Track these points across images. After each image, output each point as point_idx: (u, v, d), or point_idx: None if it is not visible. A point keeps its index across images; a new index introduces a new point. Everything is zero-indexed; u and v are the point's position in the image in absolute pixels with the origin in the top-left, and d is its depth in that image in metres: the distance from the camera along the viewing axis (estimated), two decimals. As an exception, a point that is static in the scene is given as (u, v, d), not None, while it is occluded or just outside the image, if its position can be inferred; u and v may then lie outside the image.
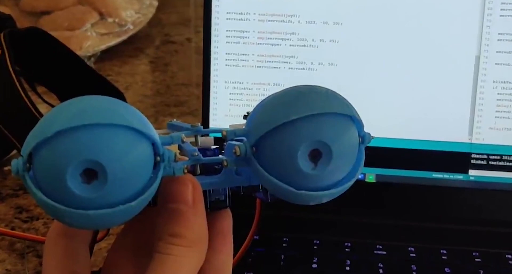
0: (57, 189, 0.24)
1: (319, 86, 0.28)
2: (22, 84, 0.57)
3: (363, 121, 0.28)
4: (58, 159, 0.24)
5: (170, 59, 0.90)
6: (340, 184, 0.27)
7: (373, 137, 0.28)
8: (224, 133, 0.28)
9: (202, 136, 0.31)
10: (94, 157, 0.24)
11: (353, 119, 0.28)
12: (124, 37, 0.90)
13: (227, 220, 0.31)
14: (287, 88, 0.28)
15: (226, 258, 0.30)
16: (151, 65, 0.89)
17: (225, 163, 0.28)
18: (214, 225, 0.30)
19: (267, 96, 0.28)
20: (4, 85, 0.57)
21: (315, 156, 0.27)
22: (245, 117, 0.30)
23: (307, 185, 0.27)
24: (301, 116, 0.26)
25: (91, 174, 0.24)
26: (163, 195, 0.28)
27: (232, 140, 0.29)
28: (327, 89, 0.28)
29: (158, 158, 0.26)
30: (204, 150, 0.30)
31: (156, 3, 0.99)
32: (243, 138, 0.28)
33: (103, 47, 0.87)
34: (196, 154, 0.28)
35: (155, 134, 0.26)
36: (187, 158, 0.29)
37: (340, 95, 0.28)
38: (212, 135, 0.31)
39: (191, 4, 1.08)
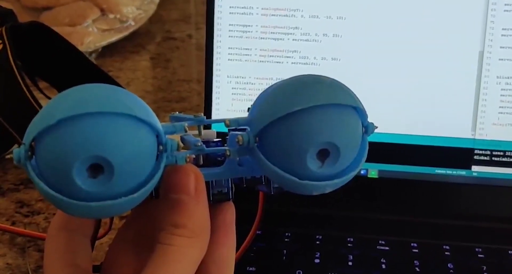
0: (62, 181, 0.24)
1: (324, 76, 0.28)
2: (24, 79, 0.57)
3: (366, 117, 0.28)
4: (63, 152, 0.24)
5: (171, 55, 0.89)
6: (344, 174, 0.27)
7: (376, 127, 0.28)
8: (227, 122, 0.28)
9: (204, 128, 0.30)
10: (101, 153, 0.24)
11: (357, 110, 0.27)
12: (125, 33, 0.90)
13: (229, 213, 0.31)
14: (291, 78, 0.28)
15: (228, 251, 0.30)
16: (152, 61, 0.89)
17: (228, 153, 0.28)
18: (216, 217, 0.30)
19: (271, 85, 0.28)
20: (5, 80, 0.57)
21: (323, 154, 0.27)
22: (249, 110, 0.30)
23: (309, 175, 0.27)
24: (305, 107, 0.26)
25: (97, 168, 0.24)
26: (165, 185, 0.28)
27: (234, 129, 0.29)
28: (332, 79, 0.28)
29: (161, 148, 0.26)
30: (206, 143, 0.30)
31: (157, 0, 0.99)
32: (246, 127, 0.28)
33: (104, 43, 0.86)
34: (199, 144, 0.28)
35: (158, 123, 0.26)
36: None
37: (345, 86, 0.28)
38: (214, 127, 0.31)
39: (192, 1, 1.08)
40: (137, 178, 0.25)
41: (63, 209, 0.25)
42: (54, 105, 0.24)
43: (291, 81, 0.28)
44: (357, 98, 0.28)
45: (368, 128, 0.28)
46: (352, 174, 0.27)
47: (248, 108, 0.30)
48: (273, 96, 0.27)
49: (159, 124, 0.26)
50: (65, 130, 0.24)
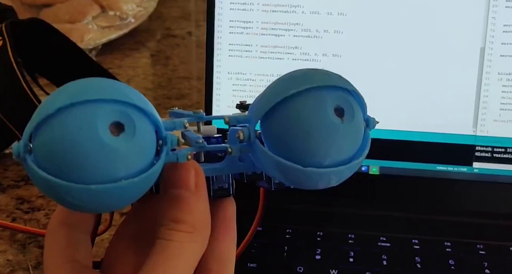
0: (60, 168, 0.24)
1: (319, 68, 0.28)
2: (24, 76, 0.56)
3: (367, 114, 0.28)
4: (62, 138, 0.23)
5: (171, 52, 0.89)
6: (348, 162, 0.27)
7: (377, 122, 0.28)
8: (227, 119, 0.28)
9: (205, 124, 0.30)
10: (123, 104, 0.24)
11: (354, 95, 0.27)
12: (125, 30, 0.90)
13: (230, 209, 0.31)
14: (286, 73, 0.28)
15: (229, 247, 0.30)
16: (152, 59, 0.89)
17: (229, 150, 0.28)
18: (217, 213, 0.30)
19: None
20: (5, 76, 0.57)
21: (339, 111, 0.26)
22: (237, 106, 0.30)
23: (314, 161, 0.26)
24: (301, 90, 0.26)
25: (118, 127, 0.24)
26: (166, 181, 0.28)
27: (234, 126, 0.29)
28: (327, 70, 0.28)
29: (161, 142, 0.26)
30: (207, 139, 0.30)
31: (157, -3, 0.99)
32: (246, 124, 0.28)
33: (104, 40, 0.86)
34: (201, 141, 0.28)
35: (158, 115, 0.26)
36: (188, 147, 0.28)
37: (341, 76, 0.27)
38: (214, 123, 0.31)
39: (192, -2, 1.08)
40: (136, 165, 0.25)
41: (63, 199, 0.25)
42: (52, 98, 0.24)
43: (287, 74, 0.28)
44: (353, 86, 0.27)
45: (369, 122, 0.28)
46: (357, 161, 0.27)
47: (236, 105, 0.30)
48: (269, 89, 0.27)
49: (158, 117, 0.26)
50: (65, 117, 0.24)
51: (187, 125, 0.27)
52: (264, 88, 0.28)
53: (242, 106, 0.31)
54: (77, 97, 0.24)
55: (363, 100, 0.28)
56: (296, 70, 0.28)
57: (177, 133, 0.28)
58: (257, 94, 0.28)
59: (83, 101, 0.24)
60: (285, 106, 0.26)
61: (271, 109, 0.26)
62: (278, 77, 0.28)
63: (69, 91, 0.24)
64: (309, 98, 0.26)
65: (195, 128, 0.30)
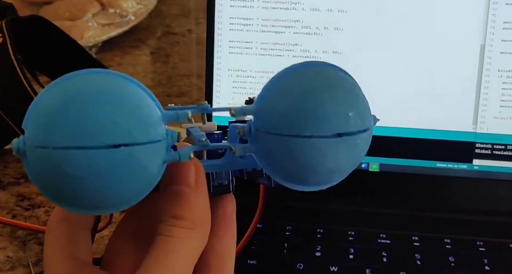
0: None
1: (336, 79, 0.27)
2: (25, 73, 0.56)
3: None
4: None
5: (171, 50, 0.89)
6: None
7: (378, 120, 0.28)
8: (233, 111, 0.27)
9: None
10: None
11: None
12: (125, 28, 0.90)
13: (230, 205, 0.31)
14: (301, 70, 0.27)
15: (228, 243, 0.30)
16: (152, 56, 0.89)
17: (233, 150, 0.27)
18: (217, 210, 0.30)
19: (278, 74, 0.28)
20: (6, 74, 0.57)
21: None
22: (246, 102, 0.30)
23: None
24: (316, 136, 0.26)
25: None
26: (165, 177, 0.28)
27: (236, 122, 0.28)
28: (347, 90, 0.27)
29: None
30: (208, 135, 0.29)
31: (157, -5, 0.98)
32: (248, 120, 0.28)
33: (104, 37, 0.86)
34: (204, 139, 0.28)
35: (160, 127, 0.25)
36: (189, 144, 0.28)
37: (360, 95, 0.27)
38: (216, 119, 0.31)
39: (192, -4, 1.08)
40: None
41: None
42: (53, 111, 0.24)
43: (302, 82, 0.27)
44: (368, 108, 0.27)
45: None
46: None
47: (246, 101, 0.30)
48: (282, 98, 0.27)
49: (162, 129, 0.25)
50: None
51: (190, 116, 0.27)
52: (276, 74, 0.28)
53: (251, 102, 0.31)
54: (75, 141, 0.23)
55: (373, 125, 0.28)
56: (314, 83, 0.27)
57: (182, 130, 0.28)
58: (257, 91, 0.28)
59: (81, 146, 0.23)
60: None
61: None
62: (293, 70, 0.27)
63: (68, 123, 0.23)
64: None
65: (200, 124, 0.30)
